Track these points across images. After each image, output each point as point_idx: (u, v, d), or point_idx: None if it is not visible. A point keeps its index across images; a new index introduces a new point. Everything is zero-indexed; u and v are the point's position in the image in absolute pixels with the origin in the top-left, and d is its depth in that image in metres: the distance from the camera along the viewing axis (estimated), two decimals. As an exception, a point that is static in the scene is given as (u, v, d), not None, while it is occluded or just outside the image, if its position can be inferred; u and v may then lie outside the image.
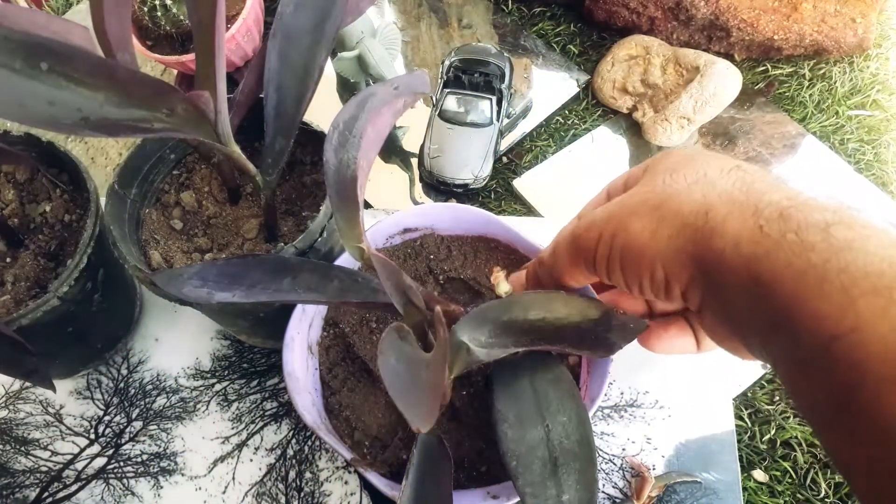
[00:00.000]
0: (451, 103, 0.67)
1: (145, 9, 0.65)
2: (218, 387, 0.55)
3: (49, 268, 0.47)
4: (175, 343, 0.57)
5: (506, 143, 0.70)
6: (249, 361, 0.56)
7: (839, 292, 0.22)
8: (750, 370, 0.54)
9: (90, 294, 0.47)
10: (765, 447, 0.53)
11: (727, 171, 0.28)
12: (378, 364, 0.27)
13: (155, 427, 0.54)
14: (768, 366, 0.52)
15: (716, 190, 0.27)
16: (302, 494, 0.51)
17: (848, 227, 0.23)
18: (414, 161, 0.70)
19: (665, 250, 0.28)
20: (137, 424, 0.54)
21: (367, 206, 0.65)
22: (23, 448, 0.54)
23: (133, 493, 0.52)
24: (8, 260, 0.47)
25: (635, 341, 0.35)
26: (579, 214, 0.37)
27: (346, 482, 0.51)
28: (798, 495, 0.51)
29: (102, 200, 0.45)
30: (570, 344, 0.34)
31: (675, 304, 0.30)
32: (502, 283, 0.38)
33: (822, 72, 0.72)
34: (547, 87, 0.73)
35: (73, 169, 0.48)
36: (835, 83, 0.71)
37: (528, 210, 0.67)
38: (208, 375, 0.56)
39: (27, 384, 0.56)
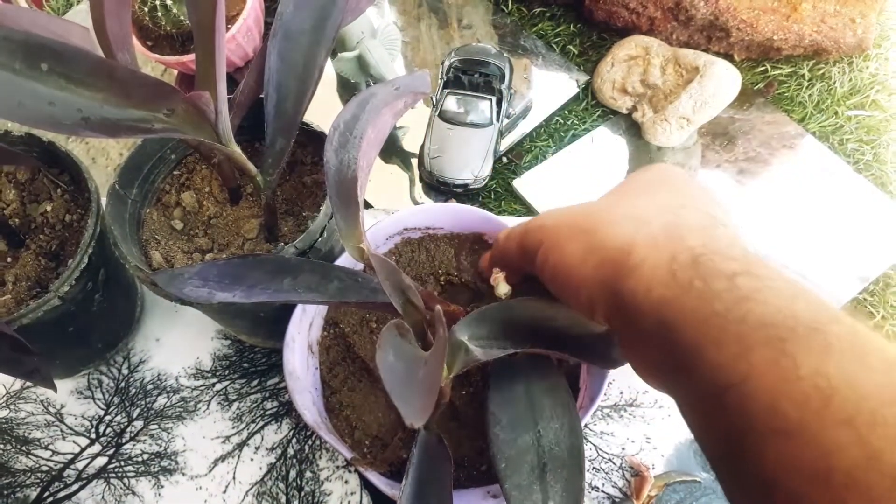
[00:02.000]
0: (451, 104, 0.67)
1: (145, 9, 0.65)
2: (218, 386, 0.56)
3: (50, 267, 0.47)
4: (176, 343, 0.58)
5: (506, 144, 0.70)
6: (250, 361, 0.56)
7: (735, 341, 0.22)
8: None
9: (91, 294, 0.47)
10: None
11: (664, 211, 0.29)
12: (376, 358, 0.27)
13: (156, 426, 0.54)
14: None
15: (644, 228, 0.28)
16: (302, 494, 0.51)
17: (754, 276, 0.24)
18: (414, 161, 0.70)
19: (589, 278, 0.29)
20: (138, 424, 0.54)
21: (367, 206, 0.66)
22: (24, 447, 0.54)
23: (134, 493, 0.52)
24: (9, 260, 0.47)
25: None
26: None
27: (346, 481, 0.51)
28: (797, 495, 0.51)
29: (103, 200, 0.45)
30: (570, 352, 0.34)
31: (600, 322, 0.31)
32: (502, 285, 0.39)
33: (821, 72, 0.72)
34: (547, 87, 0.73)
35: (74, 169, 0.48)
36: (834, 83, 0.71)
37: (527, 210, 0.67)
38: (209, 375, 0.56)
39: (28, 384, 0.56)
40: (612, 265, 0.28)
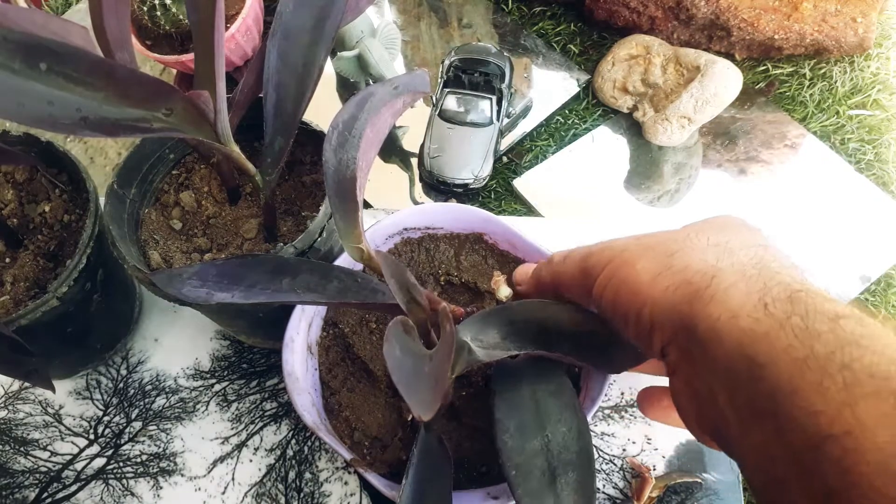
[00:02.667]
0: (451, 103, 0.67)
1: (144, 8, 0.65)
2: (217, 387, 0.55)
3: (48, 268, 0.47)
4: (174, 343, 0.57)
5: (506, 143, 0.70)
6: (249, 362, 0.56)
7: (839, 389, 0.20)
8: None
9: (89, 294, 0.47)
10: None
11: (748, 246, 0.28)
12: (384, 352, 0.27)
13: (154, 427, 0.54)
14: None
15: (730, 257, 0.27)
16: (301, 495, 0.51)
17: (858, 322, 0.22)
18: (414, 161, 0.70)
19: (659, 298, 0.27)
20: (137, 425, 0.54)
21: (367, 206, 0.65)
22: (22, 448, 0.54)
23: (132, 494, 0.52)
24: (7, 260, 0.47)
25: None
26: None
27: (345, 483, 0.51)
28: (799, 496, 0.51)
29: (102, 200, 0.45)
30: (573, 354, 0.34)
31: (651, 355, 0.29)
32: (503, 288, 0.38)
33: (822, 71, 0.72)
34: (547, 86, 0.73)
35: (73, 169, 0.48)
36: (835, 83, 0.71)
37: (528, 210, 0.67)
38: (208, 376, 0.56)
39: (26, 384, 0.56)
40: (691, 289, 0.26)
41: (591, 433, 0.52)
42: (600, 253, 0.32)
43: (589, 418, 0.39)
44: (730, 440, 0.25)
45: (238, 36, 0.66)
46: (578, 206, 0.66)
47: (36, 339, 0.43)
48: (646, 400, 0.36)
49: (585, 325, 0.34)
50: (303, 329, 0.43)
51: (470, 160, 0.66)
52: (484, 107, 0.67)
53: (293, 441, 0.53)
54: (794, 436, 0.21)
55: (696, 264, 0.27)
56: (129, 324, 0.57)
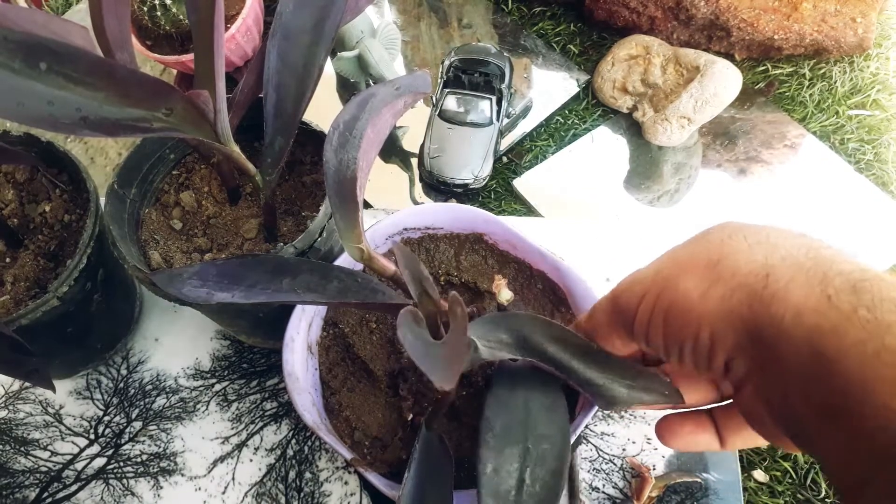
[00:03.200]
0: (451, 103, 0.67)
1: (145, 8, 0.65)
2: (218, 387, 0.55)
3: (49, 268, 0.47)
4: (175, 343, 0.57)
5: (506, 143, 0.70)
6: (249, 361, 0.56)
7: None
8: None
9: (90, 294, 0.47)
10: (765, 447, 0.53)
11: (792, 236, 0.26)
12: (398, 335, 0.27)
13: (155, 427, 0.54)
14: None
15: (779, 252, 0.25)
16: (302, 495, 0.51)
17: None
18: (414, 161, 0.70)
19: (715, 312, 0.25)
20: (137, 424, 0.54)
21: (367, 206, 0.65)
22: (22, 448, 0.54)
23: (133, 494, 0.52)
24: (7, 260, 0.47)
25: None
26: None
27: (346, 482, 0.51)
28: (798, 495, 0.51)
29: (102, 200, 0.45)
30: (572, 379, 0.34)
31: (712, 375, 0.28)
32: (504, 291, 0.38)
33: (822, 71, 0.72)
34: (547, 86, 0.73)
35: (73, 169, 0.48)
36: (835, 83, 0.71)
37: (528, 210, 0.67)
38: (208, 375, 0.56)
39: (27, 384, 0.56)
40: (746, 292, 0.24)
41: (592, 433, 0.52)
42: (629, 289, 0.30)
43: (589, 418, 0.39)
44: (810, 440, 0.24)
45: (238, 36, 0.66)
46: (578, 206, 0.66)
47: (36, 338, 0.43)
48: (666, 429, 0.34)
49: (594, 349, 0.34)
50: (303, 329, 0.43)
51: (470, 160, 0.66)
52: (484, 107, 0.67)
53: (293, 441, 0.53)
54: (877, 433, 0.20)
55: (745, 266, 0.25)
56: (129, 324, 0.57)
